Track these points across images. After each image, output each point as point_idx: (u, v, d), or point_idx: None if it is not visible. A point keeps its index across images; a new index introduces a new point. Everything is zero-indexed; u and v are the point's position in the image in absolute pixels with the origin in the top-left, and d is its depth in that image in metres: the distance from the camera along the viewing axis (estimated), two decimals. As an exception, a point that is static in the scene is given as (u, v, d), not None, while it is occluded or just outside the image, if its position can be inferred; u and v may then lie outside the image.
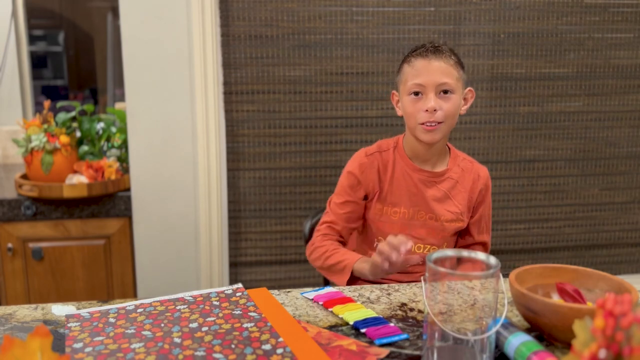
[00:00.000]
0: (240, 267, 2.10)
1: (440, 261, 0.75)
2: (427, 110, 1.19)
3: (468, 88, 1.28)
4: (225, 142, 2.01)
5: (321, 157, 2.06)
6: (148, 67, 1.89)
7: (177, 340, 0.84)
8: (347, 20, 1.98)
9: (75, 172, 1.99)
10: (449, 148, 1.34)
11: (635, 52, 2.16)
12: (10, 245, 1.92)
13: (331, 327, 0.91)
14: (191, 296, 1.01)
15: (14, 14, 2.49)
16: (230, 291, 1.03)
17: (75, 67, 3.21)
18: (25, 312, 0.97)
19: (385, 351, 0.82)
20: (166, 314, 0.93)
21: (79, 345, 0.83)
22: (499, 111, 2.13)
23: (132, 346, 0.82)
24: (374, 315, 0.94)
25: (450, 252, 0.76)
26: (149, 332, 0.86)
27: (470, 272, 0.72)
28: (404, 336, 0.87)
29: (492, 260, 0.74)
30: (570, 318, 0.75)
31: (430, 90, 1.19)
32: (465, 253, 0.76)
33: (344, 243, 1.35)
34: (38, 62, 3.06)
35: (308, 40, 1.99)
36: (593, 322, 0.54)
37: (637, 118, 2.21)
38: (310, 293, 1.05)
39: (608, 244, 2.30)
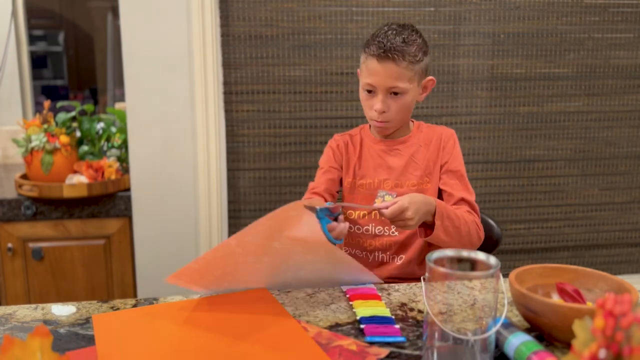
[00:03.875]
0: (240, 267, 2.10)
1: (440, 261, 0.75)
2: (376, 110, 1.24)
3: (429, 77, 1.28)
4: (225, 142, 2.00)
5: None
6: (148, 67, 1.89)
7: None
8: (347, 20, 1.98)
9: (75, 172, 1.99)
10: (412, 121, 1.36)
11: (635, 52, 2.16)
12: (10, 245, 1.92)
13: (331, 327, 0.91)
14: None
15: (14, 14, 2.49)
16: None
17: (75, 67, 3.21)
18: (25, 312, 0.97)
19: (385, 351, 0.82)
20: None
21: None
22: (499, 111, 2.13)
23: None
24: (387, 315, 0.93)
25: (450, 252, 0.76)
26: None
27: (470, 272, 0.72)
28: (400, 339, 0.86)
29: (492, 260, 0.74)
30: (570, 318, 0.75)
31: (381, 92, 1.23)
32: (465, 253, 0.76)
33: None
34: (38, 62, 3.06)
35: (308, 40, 1.98)
36: (593, 322, 0.54)
37: (637, 118, 2.21)
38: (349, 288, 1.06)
39: (608, 244, 2.30)
